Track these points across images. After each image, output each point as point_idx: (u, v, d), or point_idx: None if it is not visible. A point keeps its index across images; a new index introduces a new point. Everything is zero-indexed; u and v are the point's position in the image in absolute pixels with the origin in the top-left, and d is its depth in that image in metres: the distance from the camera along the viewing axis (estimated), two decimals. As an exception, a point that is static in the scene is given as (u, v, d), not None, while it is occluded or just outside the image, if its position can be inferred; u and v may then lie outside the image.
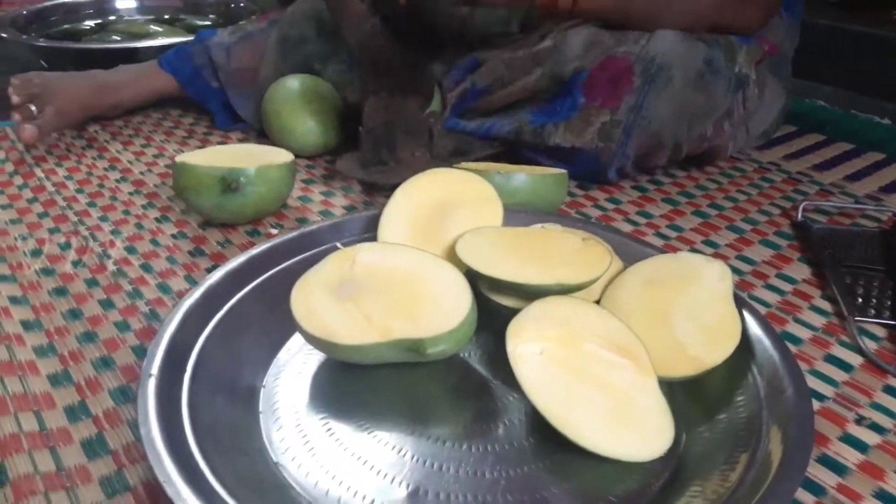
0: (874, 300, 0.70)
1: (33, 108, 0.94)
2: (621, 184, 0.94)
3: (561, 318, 0.53)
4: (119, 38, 1.33)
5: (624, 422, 0.49)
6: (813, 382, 0.60)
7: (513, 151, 0.94)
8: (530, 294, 0.57)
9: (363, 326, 0.52)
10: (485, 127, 0.94)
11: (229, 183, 0.77)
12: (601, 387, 0.50)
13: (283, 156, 0.83)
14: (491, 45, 0.94)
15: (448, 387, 0.56)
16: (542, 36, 0.91)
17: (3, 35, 1.27)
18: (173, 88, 1.09)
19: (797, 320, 0.68)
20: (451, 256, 0.61)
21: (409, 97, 0.88)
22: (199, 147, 1.04)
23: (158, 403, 0.47)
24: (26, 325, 0.66)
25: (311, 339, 0.54)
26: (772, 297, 0.72)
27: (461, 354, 0.58)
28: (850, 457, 0.53)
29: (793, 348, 0.64)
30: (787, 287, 0.73)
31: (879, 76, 1.32)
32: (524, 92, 0.92)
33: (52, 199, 0.88)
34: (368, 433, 0.51)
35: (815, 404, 0.58)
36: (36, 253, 0.77)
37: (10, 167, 0.97)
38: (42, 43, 1.26)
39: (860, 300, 0.70)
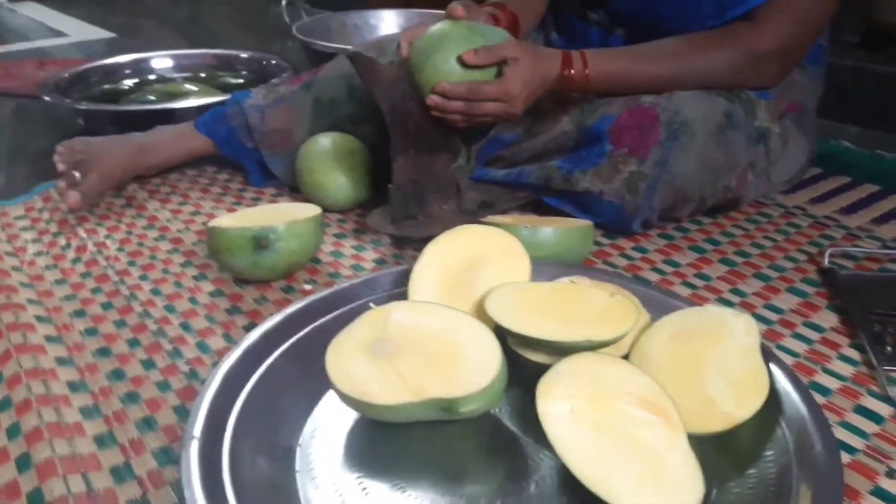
0: (904, 348, 0.70)
1: (77, 174, 0.98)
2: (647, 232, 0.95)
3: (590, 376, 0.54)
4: (154, 98, 1.38)
5: (654, 479, 0.49)
6: (843, 434, 0.60)
7: (538, 202, 0.96)
8: (559, 350, 0.58)
9: (397, 386, 0.54)
10: (513, 175, 0.96)
11: (260, 241, 0.80)
12: (631, 444, 0.51)
13: (310, 210, 0.86)
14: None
15: (480, 445, 0.58)
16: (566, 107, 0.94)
17: (47, 98, 1.33)
18: (209, 148, 1.13)
19: (826, 370, 0.69)
20: (480, 312, 0.63)
21: (437, 155, 0.90)
22: (235, 203, 1.07)
23: (201, 466, 0.49)
24: (72, 386, 0.68)
25: (346, 399, 0.56)
26: (800, 347, 0.72)
27: (492, 411, 0.59)
28: (883, 511, 0.53)
29: (821, 399, 0.64)
30: (814, 336, 0.74)
31: (905, 115, 1.32)
32: (551, 142, 0.94)
33: (94, 259, 0.92)
34: (402, 492, 0.52)
35: (846, 457, 0.58)
36: (80, 313, 0.80)
37: (54, 227, 1.00)
38: (83, 106, 1.31)
39: (889, 349, 0.70)
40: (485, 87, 0.83)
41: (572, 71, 0.87)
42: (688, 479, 0.50)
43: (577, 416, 0.52)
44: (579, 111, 0.93)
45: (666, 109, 0.88)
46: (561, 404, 0.52)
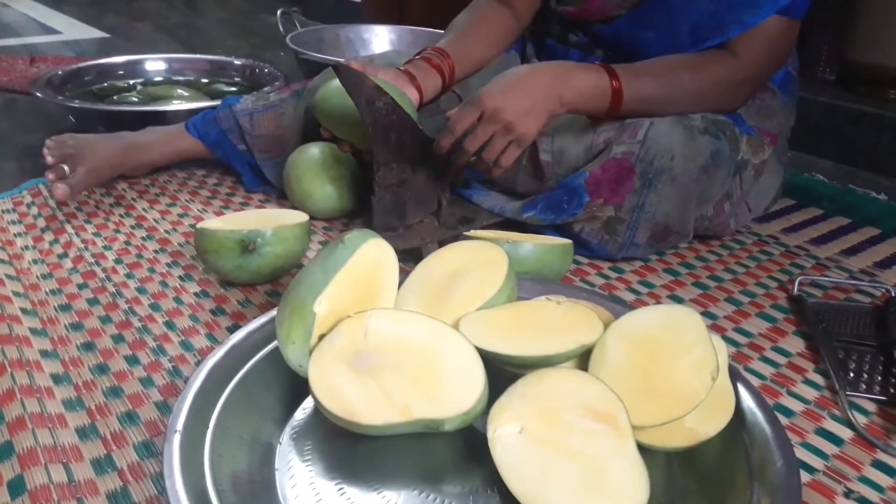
0: (865, 375, 0.73)
1: (66, 168, 0.99)
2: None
3: (541, 393, 0.55)
4: (136, 100, 1.40)
5: (597, 492, 0.50)
6: (804, 455, 0.63)
7: (518, 220, 0.98)
8: (523, 365, 0.60)
9: (384, 406, 0.54)
10: (498, 208, 0.98)
11: (247, 244, 0.81)
12: (577, 458, 0.52)
13: (297, 217, 0.88)
14: None
15: (457, 450, 0.59)
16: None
17: (39, 94, 1.34)
18: (200, 150, 1.14)
19: (791, 393, 0.71)
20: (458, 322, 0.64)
21: (419, 169, 0.92)
22: (223, 207, 1.09)
23: (182, 459, 0.50)
24: (56, 378, 0.69)
25: (333, 417, 0.55)
26: (767, 370, 0.75)
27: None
28: (838, 529, 0.56)
29: (785, 421, 0.67)
30: (781, 360, 0.76)
31: (876, 153, 1.37)
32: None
33: (80, 256, 0.93)
34: (378, 493, 0.54)
35: (806, 476, 0.60)
36: (65, 308, 0.81)
37: (42, 223, 1.01)
38: (75, 104, 1.32)
39: (852, 375, 0.73)
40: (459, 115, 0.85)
41: (615, 84, 0.88)
42: (630, 486, 0.50)
43: (525, 437, 0.53)
44: (553, 171, 0.95)
45: (641, 160, 0.88)
46: (510, 427, 0.53)
